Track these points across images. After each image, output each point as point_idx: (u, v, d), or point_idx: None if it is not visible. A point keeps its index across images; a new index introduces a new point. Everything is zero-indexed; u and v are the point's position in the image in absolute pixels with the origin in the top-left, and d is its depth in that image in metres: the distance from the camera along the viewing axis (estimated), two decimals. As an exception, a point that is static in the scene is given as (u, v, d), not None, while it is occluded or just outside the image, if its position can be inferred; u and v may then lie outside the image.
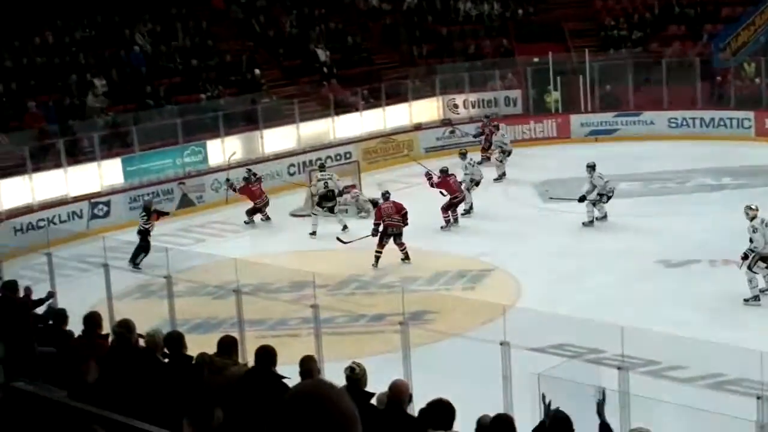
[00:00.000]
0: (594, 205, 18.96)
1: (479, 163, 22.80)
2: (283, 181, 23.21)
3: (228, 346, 8.04)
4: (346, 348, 12.95)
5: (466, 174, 20.96)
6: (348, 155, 25.14)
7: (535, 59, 28.66)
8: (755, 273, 14.33)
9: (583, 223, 18.94)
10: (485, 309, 12.97)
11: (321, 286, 14.30)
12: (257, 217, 21.04)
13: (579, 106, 27.90)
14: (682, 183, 22.14)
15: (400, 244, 17.62)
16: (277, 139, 24.47)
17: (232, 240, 20.23)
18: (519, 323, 12.63)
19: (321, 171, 20.78)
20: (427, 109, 27.97)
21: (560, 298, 14.90)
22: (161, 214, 19.20)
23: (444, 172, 20.01)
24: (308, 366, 7.58)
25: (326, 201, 20.23)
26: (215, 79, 26.41)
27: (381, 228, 17.61)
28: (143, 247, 18.11)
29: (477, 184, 21.21)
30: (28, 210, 20.19)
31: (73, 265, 15.97)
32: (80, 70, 24.37)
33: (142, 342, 8.21)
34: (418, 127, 27.34)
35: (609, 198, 18.99)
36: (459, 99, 28.35)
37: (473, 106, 28.39)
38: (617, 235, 18.46)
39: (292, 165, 24.39)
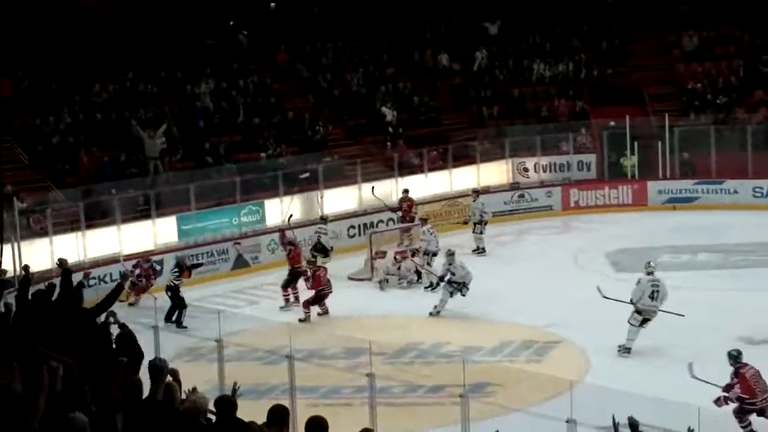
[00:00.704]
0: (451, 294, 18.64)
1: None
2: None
3: (279, 416, 7.86)
4: (402, 420, 12.81)
5: (422, 241, 21.55)
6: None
7: (612, 123, 28.45)
8: (631, 324, 15.81)
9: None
10: (551, 383, 12.72)
11: (377, 353, 14.20)
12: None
13: (657, 172, 27.56)
14: (765, 256, 21.61)
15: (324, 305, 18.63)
16: (338, 199, 24.51)
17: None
18: (587, 400, 12.31)
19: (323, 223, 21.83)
20: (495, 172, 27.89)
21: (631, 375, 14.51)
22: (195, 267, 19.45)
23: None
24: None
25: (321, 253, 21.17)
26: (277, 137, 26.64)
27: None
28: (178, 304, 18.30)
29: (434, 255, 21.40)
30: (78, 268, 20.35)
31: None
32: (140, 125, 24.76)
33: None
34: (485, 191, 27.21)
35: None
36: (529, 162, 28.22)
37: (544, 170, 28.22)
38: (695, 310, 17.98)
39: (352, 226, 24.39)
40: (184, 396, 8.44)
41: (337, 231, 23.81)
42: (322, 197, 24.42)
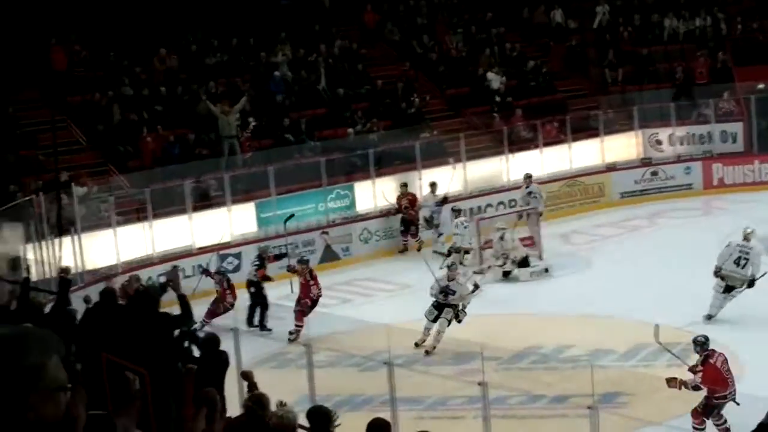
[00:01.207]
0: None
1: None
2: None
3: (383, 428, 7.99)
4: (521, 435, 12.76)
5: (456, 235, 21.46)
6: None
7: (761, 85, 27.95)
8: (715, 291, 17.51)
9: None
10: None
11: (491, 358, 14.27)
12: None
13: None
14: None
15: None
16: (439, 180, 24.48)
17: (384, 301, 20.35)
18: (735, 410, 12.17)
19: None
20: (622, 146, 27.63)
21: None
22: (279, 257, 19.73)
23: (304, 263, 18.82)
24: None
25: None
26: (366, 111, 26.79)
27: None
28: (260, 303, 18.52)
29: (466, 252, 21.38)
30: (147, 262, 20.79)
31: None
32: (211, 100, 25.12)
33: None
34: (611, 168, 26.91)
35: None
36: (663, 133, 27.87)
37: (681, 143, 27.83)
38: None
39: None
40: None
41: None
42: (420, 179, 24.45)
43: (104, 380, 7.66)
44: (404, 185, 23.98)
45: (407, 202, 23.73)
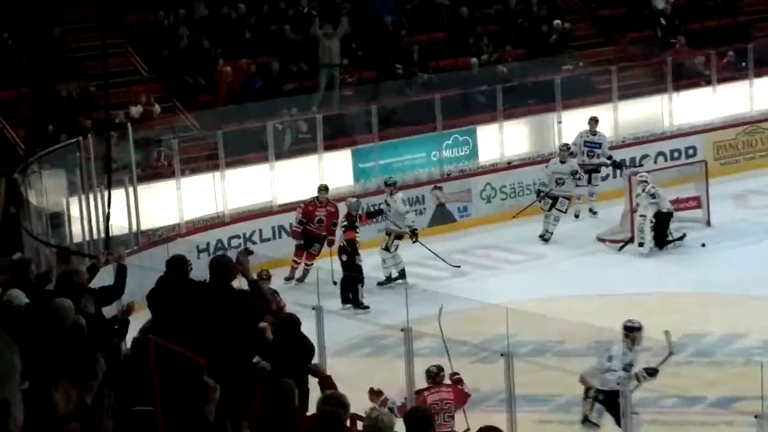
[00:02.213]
0: None
1: None
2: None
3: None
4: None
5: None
6: (691, 152, 24.61)
7: None
8: None
9: None
10: None
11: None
12: None
13: None
14: None
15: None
16: (582, 124, 24.17)
17: (510, 275, 20.25)
18: None
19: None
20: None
21: None
22: (373, 215, 19.99)
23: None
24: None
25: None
26: (494, 36, 26.55)
27: None
28: (353, 278, 18.49)
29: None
30: (219, 221, 20.87)
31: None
32: (299, 23, 25.09)
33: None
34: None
35: None
36: None
37: None
38: None
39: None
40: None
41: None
42: (559, 122, 24.19)
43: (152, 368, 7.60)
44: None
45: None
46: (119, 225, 18.00)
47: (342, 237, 19.22)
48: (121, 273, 12.30)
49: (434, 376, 12.51)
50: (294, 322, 11.38)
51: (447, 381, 12.60)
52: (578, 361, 15.34)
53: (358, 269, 18.87)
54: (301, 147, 22.80)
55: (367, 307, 18.37)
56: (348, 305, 18.45)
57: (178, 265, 10.84)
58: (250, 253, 11.64)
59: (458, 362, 15.37)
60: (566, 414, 14.15)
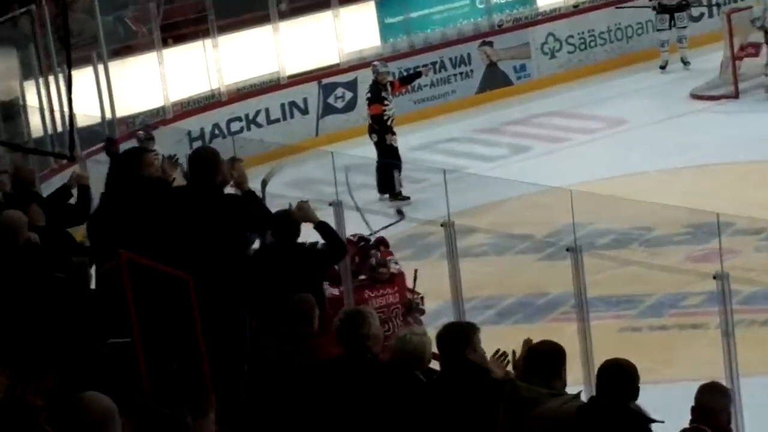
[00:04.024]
0: None
1: None
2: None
3: (548, 358, 7.87)
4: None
5: None
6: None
7: None
8: None
9: None
10: None
11: (739, 232, 13.97)
12: None
13: None
14: None
15: None
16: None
17: (581, 148, 20.31)
18: None
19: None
20: None
21: None
22: (409, 79, 20.01)
23: None
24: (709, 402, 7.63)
25: None
26: None
27: None
28: (389, 163, 18.54)
29: None
30: (214, 101, 20.84)
31: (281, 201, 16.33)
32: None
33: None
34: None
35: None
36: None
37: None
38: None
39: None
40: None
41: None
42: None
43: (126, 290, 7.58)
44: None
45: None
46: (89, 114, 17.90)
47: (367, 113, 19.23)
48: (83, 195, 12.27)
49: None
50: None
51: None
52: (668, 253, 15.43)
53: (393, 151, 18.89)
54: (311, 1, 22.71)
55: (407, 198, 18.45)
56: (386, 195, 18.60)
57: (131, 158, 10.89)
58: (240, 160, 11.34)
59: (518, 260, 15.47)
60: (658, 318, 14.12)
